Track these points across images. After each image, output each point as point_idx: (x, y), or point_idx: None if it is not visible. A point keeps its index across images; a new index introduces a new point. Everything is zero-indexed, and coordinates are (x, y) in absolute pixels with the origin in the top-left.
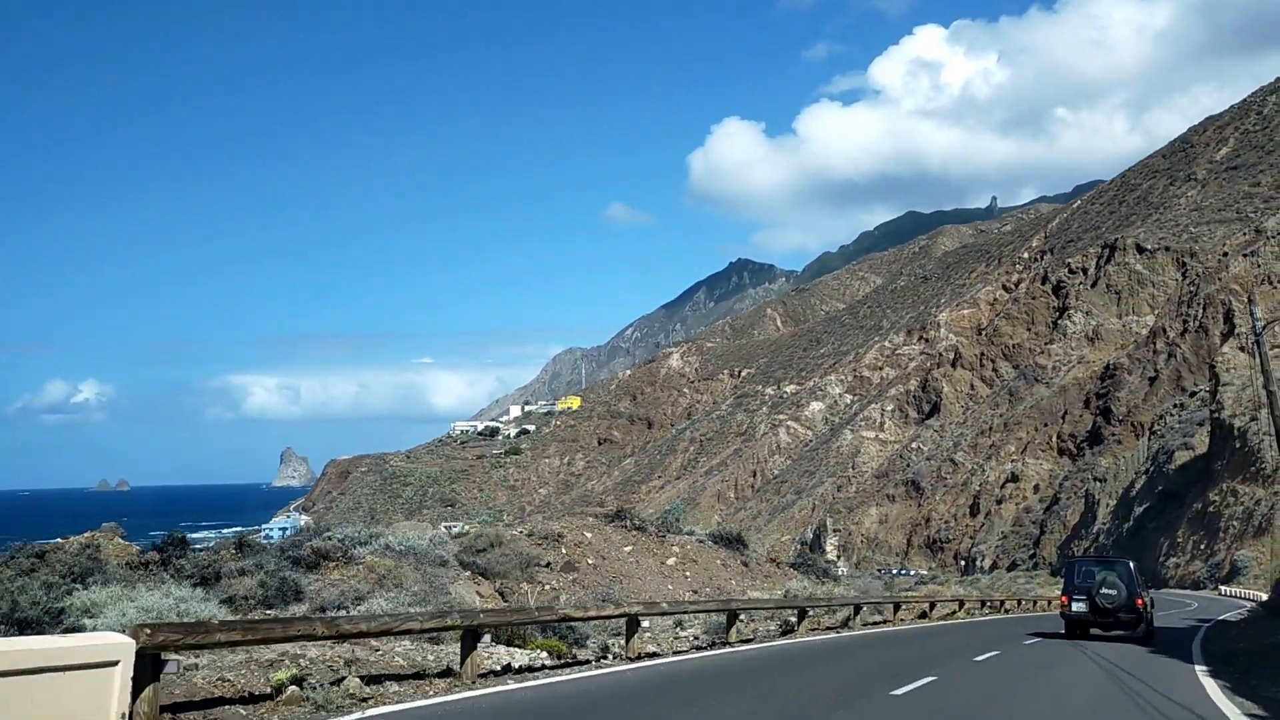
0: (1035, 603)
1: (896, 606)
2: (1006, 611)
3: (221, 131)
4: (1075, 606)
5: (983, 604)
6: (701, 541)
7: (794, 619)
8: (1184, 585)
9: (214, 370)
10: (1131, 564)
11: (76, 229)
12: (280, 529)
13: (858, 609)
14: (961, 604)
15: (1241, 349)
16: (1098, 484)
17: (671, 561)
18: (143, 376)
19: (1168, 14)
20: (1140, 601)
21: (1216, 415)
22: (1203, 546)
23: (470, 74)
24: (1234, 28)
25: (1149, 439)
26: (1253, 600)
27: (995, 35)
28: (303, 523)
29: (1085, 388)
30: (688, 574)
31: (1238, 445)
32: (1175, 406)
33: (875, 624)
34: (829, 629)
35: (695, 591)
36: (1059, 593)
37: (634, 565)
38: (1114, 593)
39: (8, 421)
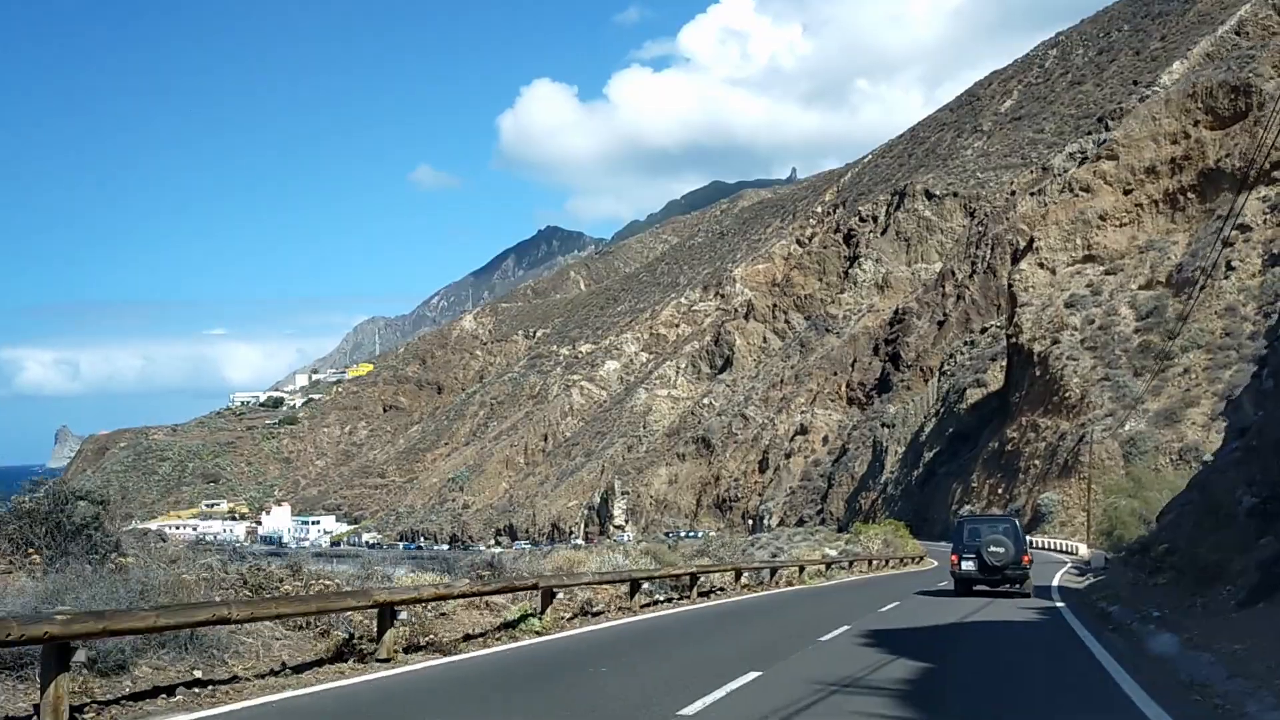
0: (757, 572)
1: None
2: (688, 598)
3: None
4: (965, 565)
5: (633, 588)
6: None
7: None
8: None
9: None
10: (1016, 521)
11: None
12: None
13: None
14: (550, 596)
15: (1041, 265)
16: (885, 430)
17: None
18: None
19: None
20: (1026, 559)
21: (1014, 341)
22: (1000, 490)
23: (269, 27)
24: (1024, 8)
25: (938, 380)
26: (1069, 552)
27: (800, 6)
28: None
29: (875, 336)
30: None
31: (1038, 373)
32: (965, 344)
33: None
34: None
35: None
36: (826, 552)
37: None
38: (1002, 550)
39: None
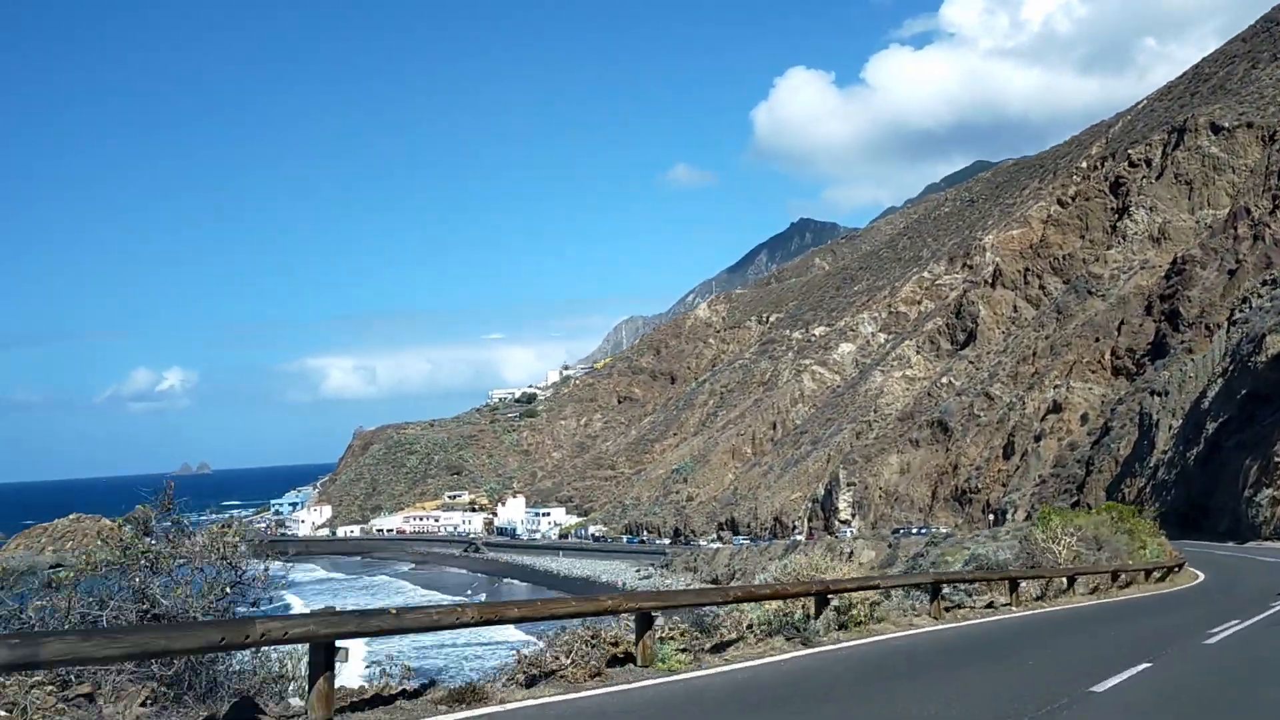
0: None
1: None
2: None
3: (281, 112)
4: None
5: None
6: None
7: None
8: None
9: (290, 353)
10: None
11: (156, 218)
12: (290, 504)
13: None
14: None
15: None
16: (1156, 399)
17: None
18: (223, 362)
19: None
20: None
21: None
22: None
23: (526, 40)
24: None
25: (1227, 331)
26: None
27: None
28: (313, 494)
29: (1148, 294)
30: None
31: None
32: (1265, 284)
33: None
34: None
35: None
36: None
37: None
38: None
39: (97, 410)
